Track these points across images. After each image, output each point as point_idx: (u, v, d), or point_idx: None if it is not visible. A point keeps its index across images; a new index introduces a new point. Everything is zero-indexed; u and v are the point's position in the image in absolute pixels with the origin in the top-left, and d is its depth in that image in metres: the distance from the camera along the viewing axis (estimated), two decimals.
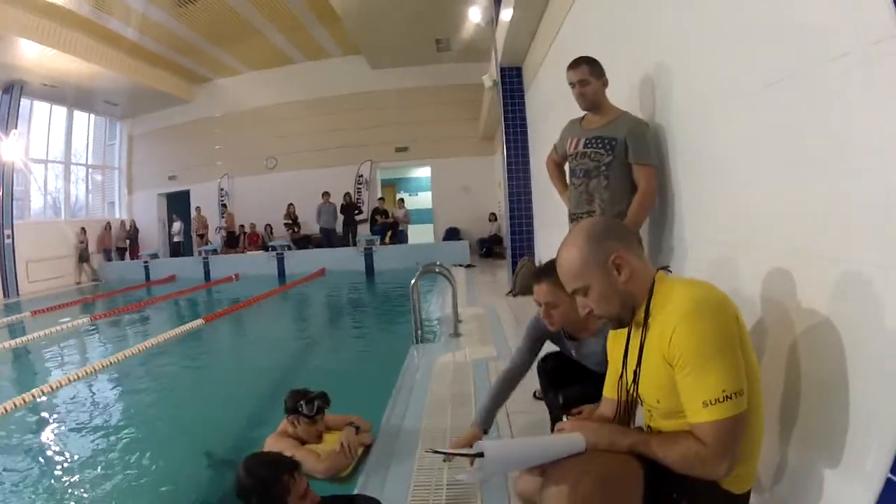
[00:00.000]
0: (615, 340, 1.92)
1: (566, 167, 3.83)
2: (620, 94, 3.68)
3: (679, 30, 3.00)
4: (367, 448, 3.41)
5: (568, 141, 3.64)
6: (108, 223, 20.63)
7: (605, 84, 3.49)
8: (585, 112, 3.61)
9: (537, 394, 3.66)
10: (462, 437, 2.76)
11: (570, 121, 3.76)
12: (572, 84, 3.50)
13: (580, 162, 3.51)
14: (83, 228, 18.54)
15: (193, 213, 20.69)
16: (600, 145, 3.40)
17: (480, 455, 1.62)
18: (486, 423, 2.83)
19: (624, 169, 3.34)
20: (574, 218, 3.60)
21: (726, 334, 1.56)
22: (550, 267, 2.46)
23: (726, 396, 1.50)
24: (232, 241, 19.88)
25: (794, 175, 1.95)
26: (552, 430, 1.93)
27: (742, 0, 2.26)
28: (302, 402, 3.34)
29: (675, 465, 1.58)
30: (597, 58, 3.32)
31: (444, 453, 1.90)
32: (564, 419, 1.93)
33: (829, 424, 1.74)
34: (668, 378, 1.62)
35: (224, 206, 20.89)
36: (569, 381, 2.93)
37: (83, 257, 18.61)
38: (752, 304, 2.17)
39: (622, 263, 1.70)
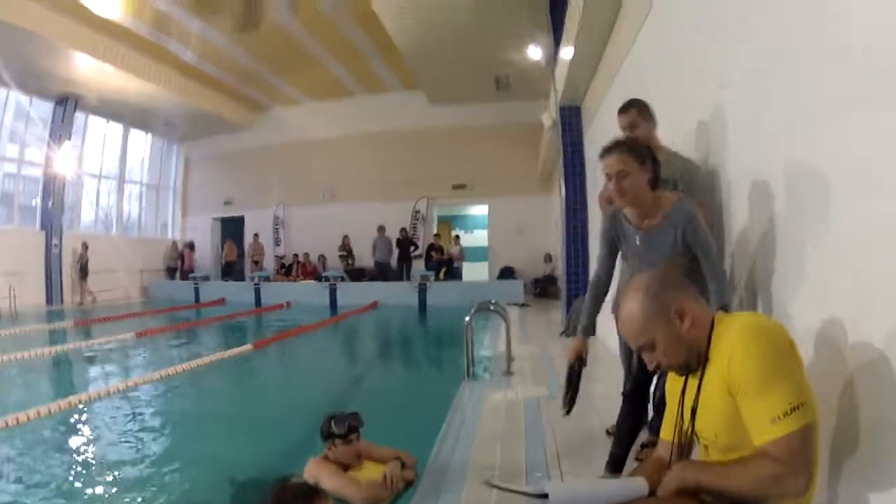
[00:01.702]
0: (674, 382, 1.92)
1: None
2: (678, 132, 3.66)
3: (737, 66, 2.97)
4: (409, 484, 3.37)
5: None
6: (192, 242, 21.62)
7: (655, 125, 3.53)
8: None
9: (610, 430, 3.82)
10: (571, 349, 3.12)
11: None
12: (624, 129, 3.60)
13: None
14: (84, 243, 17.74)
15: (250, 240, 21.18)
16: None
17: (544, 496, 1.59)
18: (588, 332, 3.15)
19: None
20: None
21: (782, 350, 1.57)
22: (618, 141, 2.90)
23: (793, 409, 1.49)
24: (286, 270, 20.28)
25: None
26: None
27: (798, 29, 2.22)
28: (332, 422, 3.34)
29: (751, 491, 1.54)
30: (656, 97, 3.31)
31: (502, 489, 1.86)
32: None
33: (883, 464, 1.67)
34: (729, 411, 1.62)
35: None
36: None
37: (83, 273, 17.70)
38: (805, 340, 2.10)
39: (684, 312, 1.73)
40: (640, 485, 1.65)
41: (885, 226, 1.70)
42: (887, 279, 1.69)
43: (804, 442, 1.49)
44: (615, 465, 3.14)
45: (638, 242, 3.00)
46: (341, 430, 3.31)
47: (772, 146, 2.54)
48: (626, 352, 3.52)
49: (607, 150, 2.92)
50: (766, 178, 2.63)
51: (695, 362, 1.75)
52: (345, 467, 3.32)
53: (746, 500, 1.55)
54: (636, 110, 3.57)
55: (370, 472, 3.31)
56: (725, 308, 1.85)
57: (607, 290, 3.19)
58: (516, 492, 1.81)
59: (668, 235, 2.87)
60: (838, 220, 2.00)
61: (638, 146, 2.95)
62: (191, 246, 21.63)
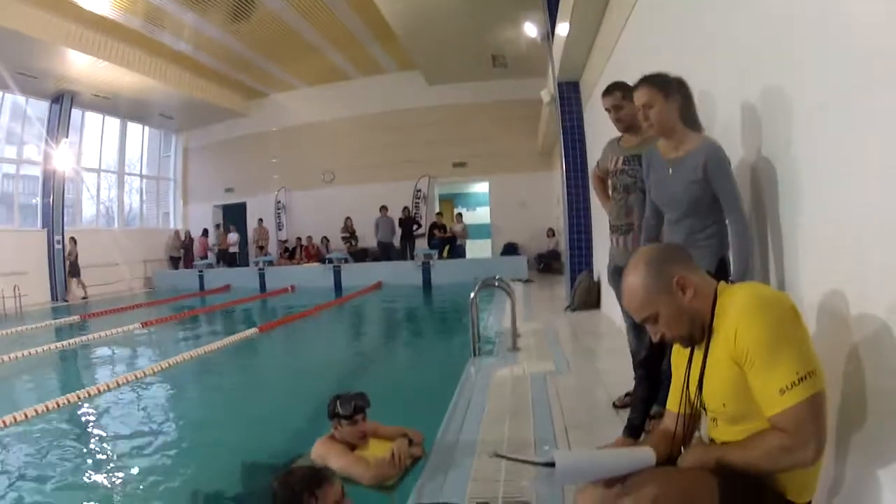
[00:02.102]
0: (679, 354, 1.95)
1: (609, 182, 4.03)
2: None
3: (730, 43, 2.98)
4: (416, 460, 3.41)
5: (609, 159, 3.90)
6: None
7: (636, 105, 3.53)
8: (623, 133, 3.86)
9: (617, 403, 4.04)
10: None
11: (610, 140, 4.03)
12: (608, 110, 3.75)
13: (619, 178, 3.79)
14: (73, 238, 17.31)
15: (254, 226, 21.26)
16: (637, 163, 3.59)
17: (551, 465, 1.61)
18: None
19: None
20: (615, 229, 3.85)
21: (786, 318, 1.60)
22: (640, 78, 2.98)
23: (801, 378, 1.52)
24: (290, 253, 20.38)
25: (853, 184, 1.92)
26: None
27: (805, 9, 2.23)
28: (338, 402, 3.34)
29: (762, 465, 1.59)
30: (653, 70, 3.31)
31: (510, 458, 1.87)
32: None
33: (889, 437, 1.71)
34: (736, 380, 1.65)
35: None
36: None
37: (73, 271, 17.29)
38: (810, 311, 2.14)
39: (685, 283, 1.76)
40: (647, 454, 1.68)
41: (885, 203, 1.73)
42: (889, 255, 1.73)
43: (813, 411, 1.51)
44: (632, 432, 3.29)
45: (669, 172, 2.95)
46: (347, 410, 3.30)
47: (777, 121, 2.55)
48: (633, 323, 3.55)
49: (631, 87, 3.14)
50: (769, 153, 2.65)
51: (699, 334, 1.78)
52: (351, 447, 3.33)
53: (760, 473, 1.60)
54: (620, 93, 3.66)
55: (377, 451, 3.33)
56: (728, 279, 1.87)
57: (658, 231, 3.20)
58: (524, 461, 1.83)
59: (689, 169, 2.80)
60: (842, 197, 2.03)
61: (660, 77, 2.95)
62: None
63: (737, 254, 2.71)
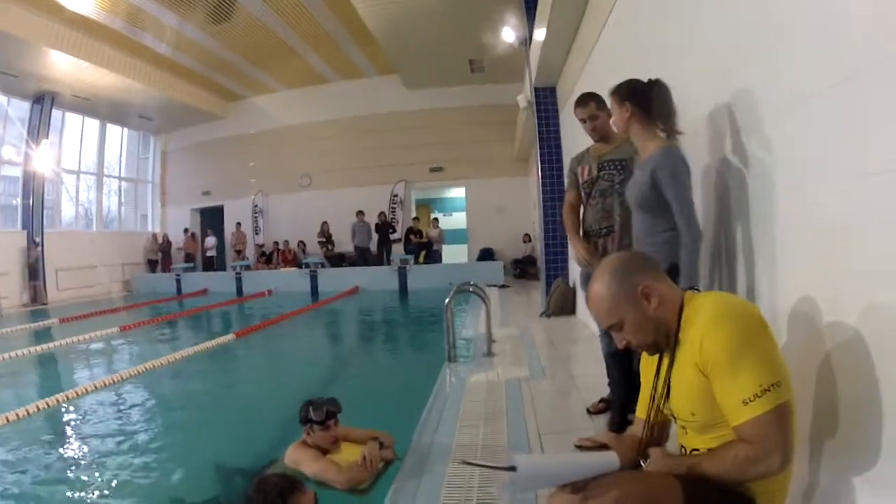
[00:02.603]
0: (647, 362, 1.96)
1: (582, 193, 4.00)
2: None
3: (706, 47, 3.01)
4: (388, 463, 3.41)
5: (580, 171, 3.95)
6: (194, 233, 21.75)
7: (610, 115, 3.55)
8: (592, 144, 3.96)
9: (591, 409, 4.07)
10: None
11: (574, 156, 4.13)
12: (583, 120, 3.83)
13: (597, 185, 3.84)
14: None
15: (232, 229, 21.10)
16: (613, 167, 3.77)
17: (513, 469, 1.61)
18: None
19: None
20: (594, 234, 3.86)
21: (752, 329, 1.60)
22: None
23: (764, 390, 1.52)
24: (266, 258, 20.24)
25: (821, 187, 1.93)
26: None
27: (776, 14, 2.25)
28: (310, 408, 3.36)
29: (730, 475, 1.58)
30: (628, 77, 3.33)
31: (475, 465, 1.91)
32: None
33: (861, 443, 1.71)
34: (703, 389, 1.65)
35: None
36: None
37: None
38: (782, 319, 2.15)
39: (650, 292, 1.76)
40: (611, 458, 1.68)
41: (861, 205, 1.75)
42: (863, 259, 1.75)
43: (778, 423, 1.51)
44: (616, 428, 3.41)
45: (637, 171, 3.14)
46: (319, 416, 3.33)
47: (749, 126, 2.57)
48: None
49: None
50: (741, 158, 2.67)
51: (664, 342, 1.78)
52: (324, 451, 3.35)
53: (730, 483, 1.59)
54: (595, 104, 3.78)
55: (349, 455, 3.34)
56: (695, 288, 1.87)
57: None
58: (488, 467, 1.88)
59: (645, 170, 2.93)
60: (813, 200, 2.05)
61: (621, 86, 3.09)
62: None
63: (683, 266, 2.77)
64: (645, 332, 1.78)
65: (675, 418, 1.84)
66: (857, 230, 1.77)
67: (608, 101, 3.16)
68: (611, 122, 3.22)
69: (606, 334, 3.55)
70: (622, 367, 3.59)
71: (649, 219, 3.01)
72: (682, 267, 2.76)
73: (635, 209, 3.13)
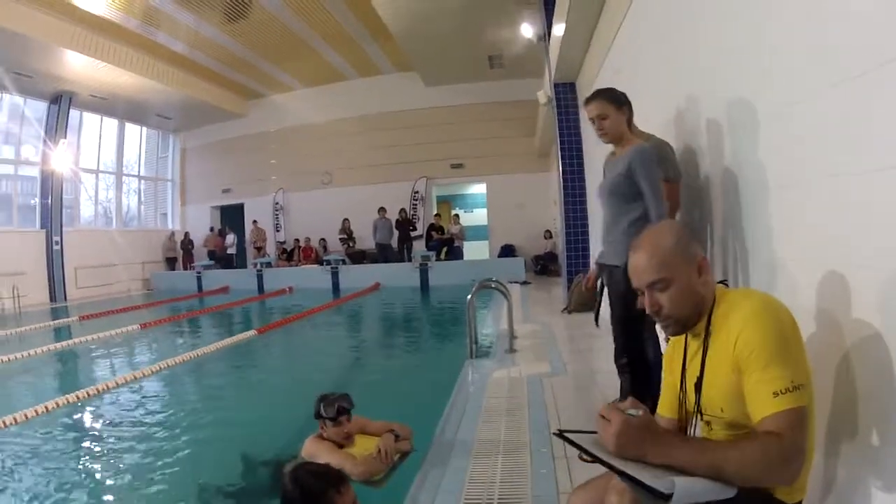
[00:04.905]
0: (672, 356, 1.91)
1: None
2: (669, 107, 3.70)
3: (730, 44, 2.98)
4: (404, 455, 3.45)
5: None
6: (220, 230, 21.75)
7: (626, 113, 3.49)
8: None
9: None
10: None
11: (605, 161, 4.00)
12: (592, 120, 3.53)
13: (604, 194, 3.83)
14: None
15: (251, 227, 21.25)
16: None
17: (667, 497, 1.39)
18: None
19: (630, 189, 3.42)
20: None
21: (789, 329, 1.58)
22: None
23: (795, 387, 1.49)
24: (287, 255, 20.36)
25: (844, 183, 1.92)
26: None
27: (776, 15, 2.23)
28: (322, 404, 3.42)
29: (752, 466, 1.47)
30: (648, 73, 3.33)
31: (594, 459, 1.59)
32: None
33: (880, 440, 1.70)
34: (735, 386, 1.61)
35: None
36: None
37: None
38: (803, 315, 2.14)
39: (704, 269, 1.73)
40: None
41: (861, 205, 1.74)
42: (863, 256, 1.74)
43: (801, 422, 1.48)
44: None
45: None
46: (330, 413, 3.41)
47: (765, 123, 2.54)
48: (620, 315, 3.57)
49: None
50: (759, 155, 2.65)
51: (693, 322, 1.74)
52: (339, 445, 3.42)
53: (747, 481, 1.49)
54: (604, 100, 3.59)
55: (363, 447, 3.41)
56: (724, 282, 1.83)
57: None
58: (643, 485, 1.45)
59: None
60: (814, 199, 2.04)
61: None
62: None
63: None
64: (684, 303, 1.71)
65: (700, 414, 1.76)
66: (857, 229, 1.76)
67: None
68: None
69: (622, 329, 3.58)
70: (632, 357, 3.56)
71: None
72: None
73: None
